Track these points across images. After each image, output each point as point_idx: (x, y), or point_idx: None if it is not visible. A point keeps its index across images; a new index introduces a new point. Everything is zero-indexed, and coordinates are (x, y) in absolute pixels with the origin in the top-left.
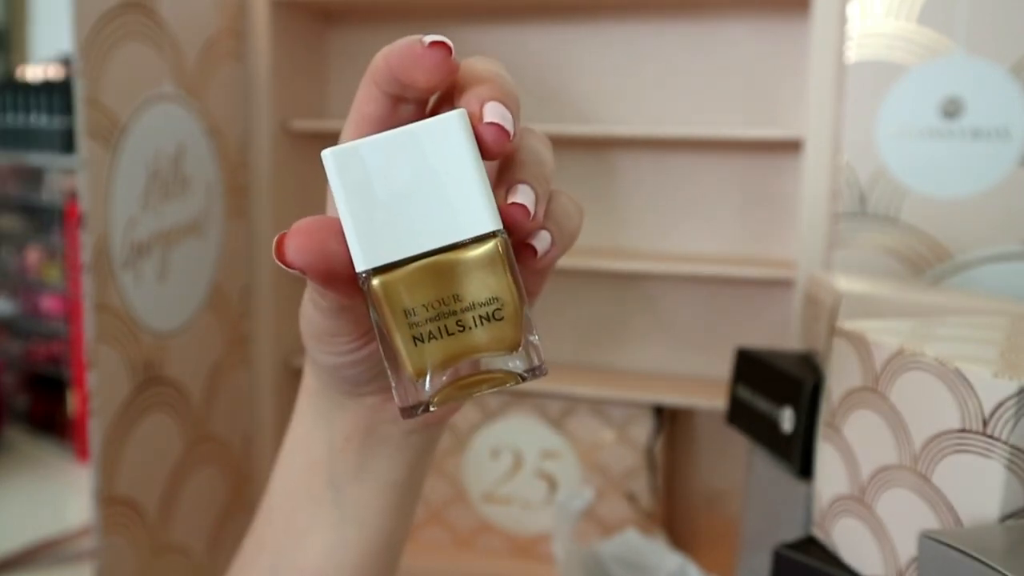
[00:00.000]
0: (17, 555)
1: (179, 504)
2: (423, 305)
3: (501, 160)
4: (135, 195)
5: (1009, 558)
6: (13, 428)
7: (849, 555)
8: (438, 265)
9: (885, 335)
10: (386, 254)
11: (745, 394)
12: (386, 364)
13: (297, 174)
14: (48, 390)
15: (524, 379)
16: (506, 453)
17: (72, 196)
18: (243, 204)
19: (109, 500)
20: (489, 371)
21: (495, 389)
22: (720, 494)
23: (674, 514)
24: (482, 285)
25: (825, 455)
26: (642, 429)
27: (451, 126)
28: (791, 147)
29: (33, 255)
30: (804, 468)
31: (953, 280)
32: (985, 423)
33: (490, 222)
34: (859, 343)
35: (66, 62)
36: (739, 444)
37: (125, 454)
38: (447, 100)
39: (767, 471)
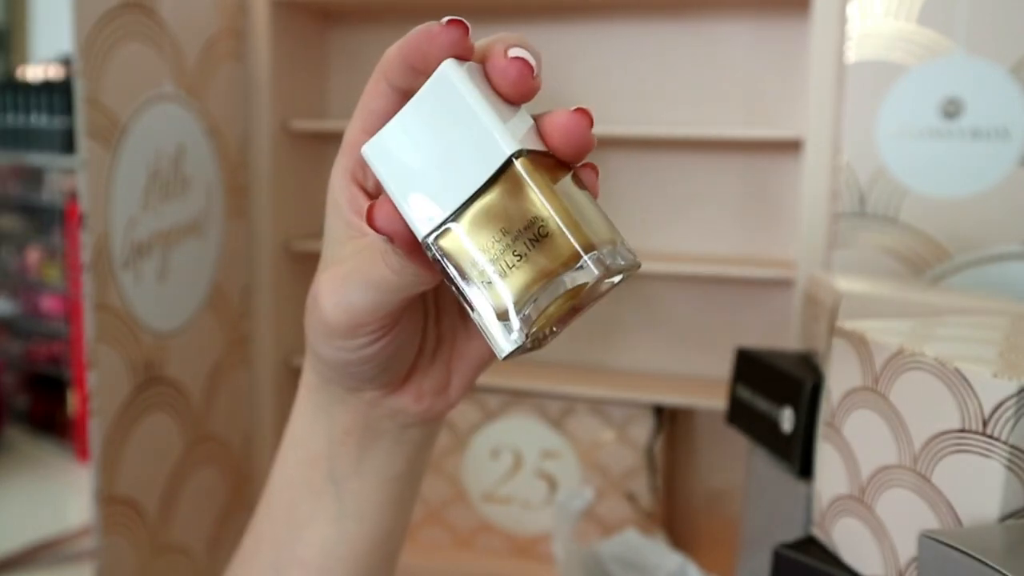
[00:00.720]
0: (17, 555)
1: (179, 504)
2: (481, 250)
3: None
4: (135, 195)
5: (1009, 558)
6: (13, 428)
7: (849, 555)
8: (479, 209)
9: (885, 335)
10: (436, 216)
11: (745, 394)
12: (474, 319)
13: (297, 174)
14: (48, 390)
15: (603, 283)
16: (506, 453)
17: (72, 196)
18: (243, 204)
19: (109, 500)
20: (567, 289)
21: (580, 302)
22: (720, 494)
23: (674, 514)
24: (517, 210)
25: (825, 455)
26: (642, 429)
27: (443, 79)
28: (791, 147)
29: (33, 255)
30: (804, 468)
31: (953, 280)
32: (985, 423)
33: (504, 149)
34: (859, 343)
35: (66, 62)
36: (739, 444)
37: (125, 454)
38: None
39: (767, 471)
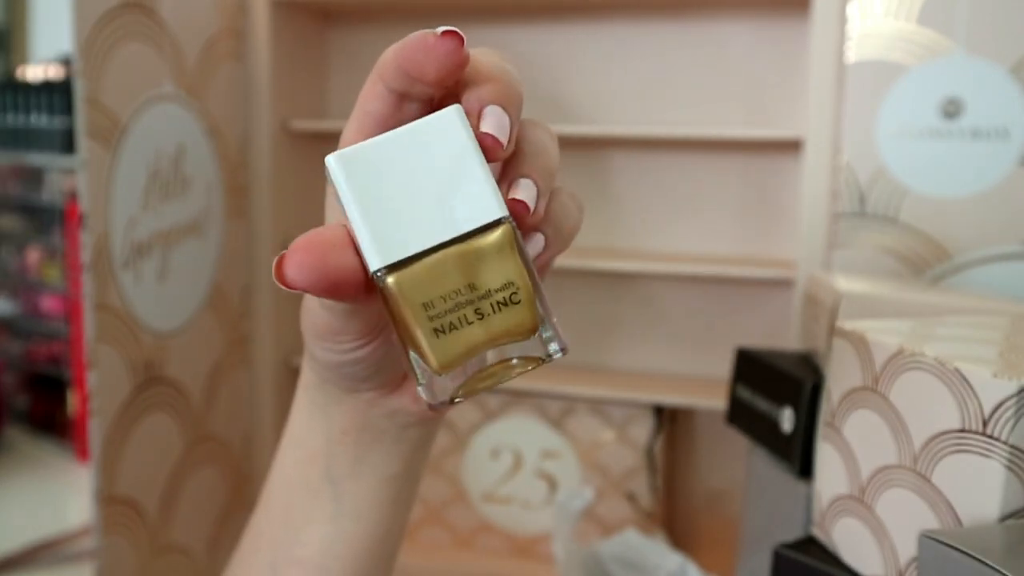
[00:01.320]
0: (17, 555)
1: (179, 504)
2: (441, 297)
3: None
4: (135, 195)
5: (1009, 558)
6: (13, 428)
7: (849, 555)
8: (451, 256)
9: (885, 335)
10: (399, 251)
11: (745, 394)
12: (407, 360)
13: (297, 174)
14: (48, 390)
15: (546, 360)
16: (506, 453)
17: (72, 196)
18: (243, 204)
19: (109, 500)
20: (512, 357)
21: (520, 373)
22: (720, 494)
23: (674, 514)
24: (496, 271)
25: (825, 455)
26: (642, 429)
27: (449, 121)
28: (791, 147)
29: (33, 255)
30: (804, 468)
31: (953, 280)
32: (985, 423)
33: (497, 209)
34: (859, 343)
35: (66, 62)
36: (739, 444)
37: (125, 454)
38: (451, 99)
39: (767, 471)
